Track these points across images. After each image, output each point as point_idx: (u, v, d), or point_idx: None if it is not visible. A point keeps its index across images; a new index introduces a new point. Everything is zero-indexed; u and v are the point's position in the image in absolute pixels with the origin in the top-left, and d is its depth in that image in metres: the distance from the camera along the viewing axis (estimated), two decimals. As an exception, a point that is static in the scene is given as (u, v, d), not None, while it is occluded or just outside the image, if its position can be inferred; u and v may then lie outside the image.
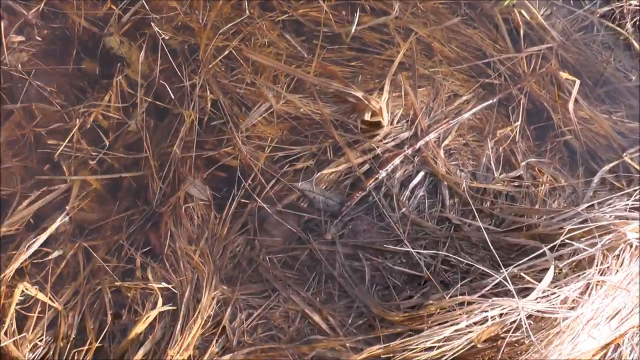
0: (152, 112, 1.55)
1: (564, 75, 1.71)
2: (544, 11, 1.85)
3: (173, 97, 1.55)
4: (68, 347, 1.27)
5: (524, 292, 1.19)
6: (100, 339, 1.28)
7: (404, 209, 1.41)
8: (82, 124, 1.50)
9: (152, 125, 1.53)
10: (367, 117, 1.51)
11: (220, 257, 1.36)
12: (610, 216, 1.30)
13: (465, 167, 1.52)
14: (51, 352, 1.27)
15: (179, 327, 1.26)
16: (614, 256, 1.20)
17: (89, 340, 1.27)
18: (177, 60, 1.60)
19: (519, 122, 1.60)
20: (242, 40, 1.64)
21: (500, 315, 1.14)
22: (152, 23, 1.61)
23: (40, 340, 1.28)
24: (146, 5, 1.64)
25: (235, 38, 1.64)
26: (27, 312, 1.29)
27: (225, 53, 1.61)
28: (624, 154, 1.61)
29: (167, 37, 1.61)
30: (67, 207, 1.42)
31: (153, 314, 1.27)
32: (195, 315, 1.26)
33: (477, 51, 1.76)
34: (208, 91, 1.54)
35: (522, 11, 1.83)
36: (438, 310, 1.20)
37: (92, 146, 1.49)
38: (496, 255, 1.26)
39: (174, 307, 1.29)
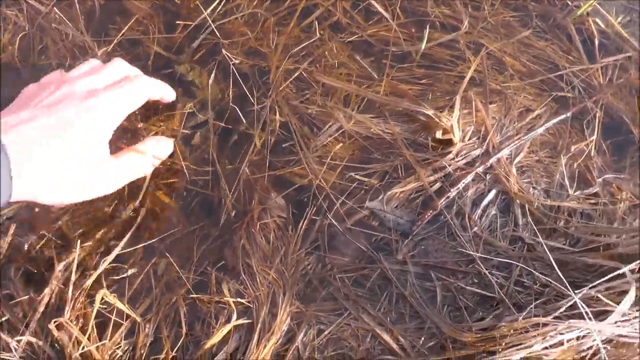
0: (221, 134, 1.60)
1: (644, 85, 1.66)
2: (621, 18, 1.80)
3: (244, 119, 1.60)
4: (143, 356, 1.34)
5: (603, 315, 1.16)
6: (175, 349, 1.34)
7: (475, 228, 1.40)
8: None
9: (221, 146, 1.58)
10: (439, 135, 1.52)
11: (292, 274, 1.39)
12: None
13: (538, 185, 1.49)
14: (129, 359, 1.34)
15: (255, 340, 1.30)
16: None
17: (165, 350, 1.34)
18: (248, 84, 1.65)
19: (594, 137, 1.56)
20: (312, 62, 1.67)
21: (578, 338, 1.12)
22: (222, 49, 1.66)
23: (119, 348, 1.36)
24: (216, 32, 1.70)
25: (305, 60, 1.67)
26: (104, 320, 1.36)
27: (296, 75, 1.65)
28: None
29: (237, 62, 1.66)
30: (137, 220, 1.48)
31: (228, 327, 1.32)
32: (271, 330, 1.31)
33: (549, 64, 1.73)
34: (277, 114, 1.59)
35: (597, 20, 1.78)
36: (511, 332, 1.19)
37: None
38: (560, 275, 1.24)
39: (250, 321, 1.33)
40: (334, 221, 1.44)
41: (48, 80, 1.28)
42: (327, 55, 1.69)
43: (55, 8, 1.71)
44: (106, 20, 1.75)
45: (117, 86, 1.28)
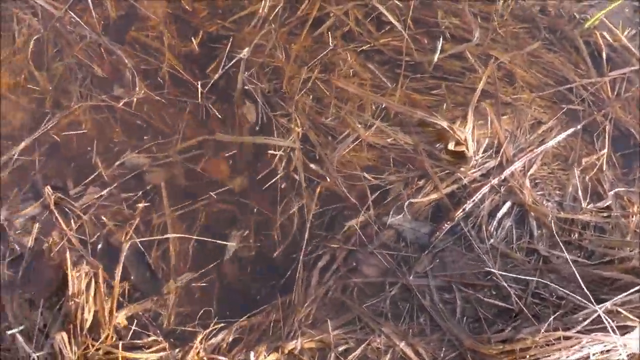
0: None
1: (651, 98, 1.69)
2: (627, 32, 1.83)
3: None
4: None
5: (622, 330, 1.18)
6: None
7: (492, 240, 1.42)
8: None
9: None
10: (451, 146, 1.54)
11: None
12: None
13: (551, 197, 1.52)
14: None
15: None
16: None
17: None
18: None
19: (605, 151, 1.59)
20: (326, 72, 1.68)
21: (602, 352, 1.14)
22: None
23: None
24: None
25: (320, 70, 1.68)
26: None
27: (309, 84, 1.65)
28: None
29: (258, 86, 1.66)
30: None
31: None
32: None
33: (558, 76, 1.75)
34: (298, 123, 1.59)
35: (605, 33, 1.81)
36: (533, 345, 1.21)
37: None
38: (585, 290, 1.26)
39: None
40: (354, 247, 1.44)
41: None
42: (341, 64, 1.69)
43: (70, 11, 1.70)
44: (122, 24, 1.75)
45: None
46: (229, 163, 1.57)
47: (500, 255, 1.41)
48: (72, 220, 1.44)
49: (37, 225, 1.42)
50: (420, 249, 1.43)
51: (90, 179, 1.53)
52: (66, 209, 1.46)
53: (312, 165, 1.54)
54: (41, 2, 1.72)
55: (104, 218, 1.46)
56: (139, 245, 1.41)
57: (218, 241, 1.44)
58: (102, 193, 1.49)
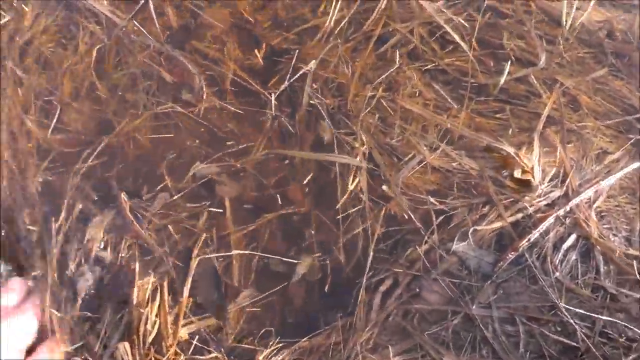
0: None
1: None
2: (700, 62, 1.78)
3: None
4: None
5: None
6: None
7: (557, 274, 1.40)
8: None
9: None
10: (518, 174, 1.51)
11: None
12: None
13: (618, 232, 1.48)
14: None
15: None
16: None
17: None
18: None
19: (676, 187, 1.55)
20: (390, 90, 1.66)
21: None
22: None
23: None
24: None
25: (384, 89, 1.67)
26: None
27: (374, 103, 1.64)
28: None
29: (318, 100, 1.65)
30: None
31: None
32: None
33: (625, 104, 1.71)
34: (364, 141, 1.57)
35: (676, 61, 1.77)
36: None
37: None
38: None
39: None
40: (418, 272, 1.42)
41: None
42: (407, 83, 1.67)
43: (133, 20, 1.71)
44: (183, 34, 1.75)
45: None
46: (298, 181, 1.55)
47: (566, 290, 1.38)
48: (144, 228, 1.45)
49: (114, 234, 1.43)
50: (483, 278, 1.41)
51: (161, 185, 1.53)
52: (138, 216, 1.46)
53: (384, 187, 1.52)
54: (105, 11, 1.73)
55: (170, 227, 1.46)
56: (214, 261, 1.41)
57: (286, 259, 1.43)
58: (174, 198, 1.49)
